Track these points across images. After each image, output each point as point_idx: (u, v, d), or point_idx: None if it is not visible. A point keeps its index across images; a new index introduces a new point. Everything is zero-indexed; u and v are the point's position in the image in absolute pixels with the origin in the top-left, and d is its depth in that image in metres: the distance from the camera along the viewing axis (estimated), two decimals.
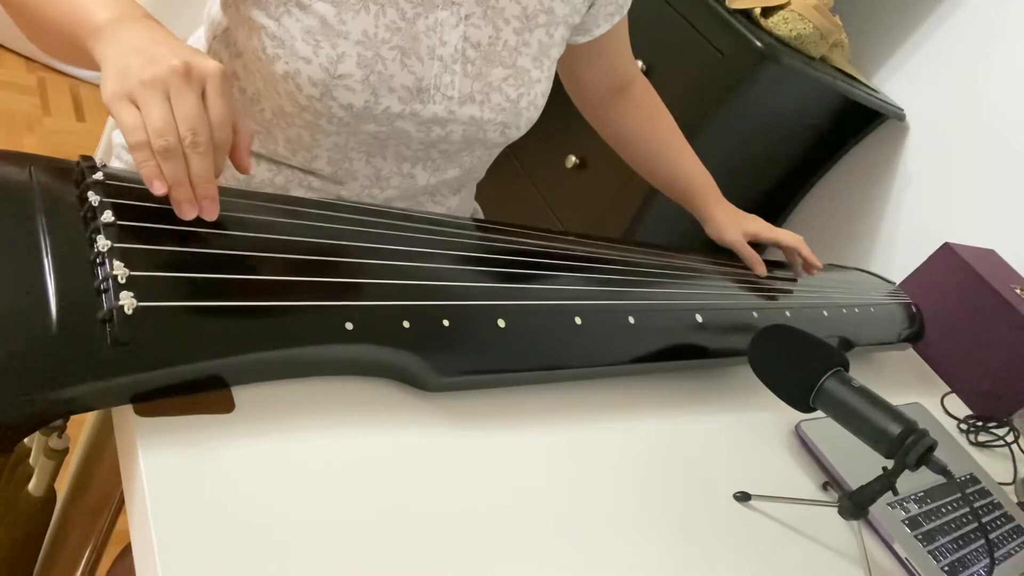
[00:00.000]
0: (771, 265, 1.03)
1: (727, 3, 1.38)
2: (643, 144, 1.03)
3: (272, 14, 0.69)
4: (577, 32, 0.88)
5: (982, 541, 0.83)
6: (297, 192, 0.81)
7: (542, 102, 0.82)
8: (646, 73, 1.44)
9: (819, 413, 0.68)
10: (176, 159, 0.50)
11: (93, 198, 0.50)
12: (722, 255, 1.00)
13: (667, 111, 1.04)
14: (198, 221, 0.52)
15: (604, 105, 1.02)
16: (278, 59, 0.69)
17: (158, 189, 0.50)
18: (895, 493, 0.64)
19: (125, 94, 0.50)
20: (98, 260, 0.47)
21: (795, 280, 1.02)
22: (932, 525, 0.80)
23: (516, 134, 0.82)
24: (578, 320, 0.67)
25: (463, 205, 0.95)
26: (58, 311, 0.44)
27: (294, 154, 0.78)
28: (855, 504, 0.65)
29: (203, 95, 0.51)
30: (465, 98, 0.75)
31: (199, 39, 0.85)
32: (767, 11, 1.37)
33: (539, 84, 0.80)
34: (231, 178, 0.81)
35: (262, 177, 0.80)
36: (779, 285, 0.98)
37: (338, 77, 0.69)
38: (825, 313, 0.96)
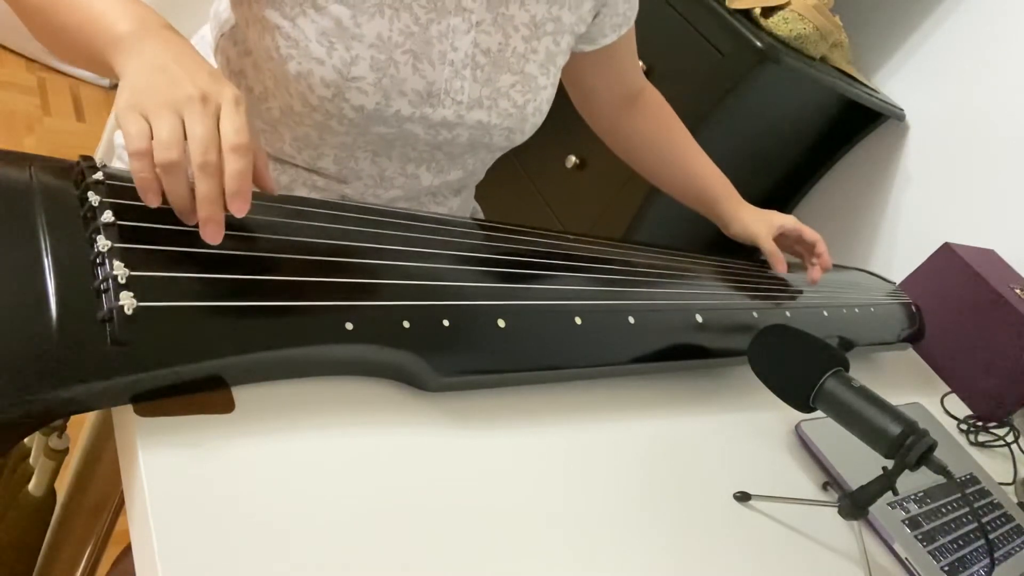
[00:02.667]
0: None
1: (727, 3, 1.38)
2: (657, 153, 1.03)
3: (287, 14, 0.69)
4: (583, 41, 0.88)
5: (982, 541, 0.83)
6: (301, 191, 0.81)
7: (547, 108, 0.83)
8: (646, 73, 1.44)
9: (819, 413, 0.68)
10: (178, 175, 0.49)
11: (93, 198, 0.50)
12: (722, 255, 1.00)
13: (677, 118, 1.04)
14: None
15: (615, 117, 1.02)
16: (291, 59, 0.69)
17: (152, 202, 0.49)
18: (895, 493, 0.64)
19: (138, 109, 0.50)
20: (98, 260, 0.47)
21: (794, 281, 1.02)
22: (932, 525, 0.80)
23: (520, 139, 0.83)
24: (578, 320, 0.67)
25: (463, 205, 0.96)
26: (58, 311, 0.44)
27: (299, 152, 0.78)
28: (855, 504, 0.65)
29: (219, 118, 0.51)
30: (473, 103, 0.76)
31: (204, 37, 0.86)
32: (767, 11, 1.37)
33: (545, 91, 0.81)
34: None
35: None
36: (779, 285, 0.98)
37: (351, 79, 0.69)
38: (825, 313, 0.96)
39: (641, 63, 1.43)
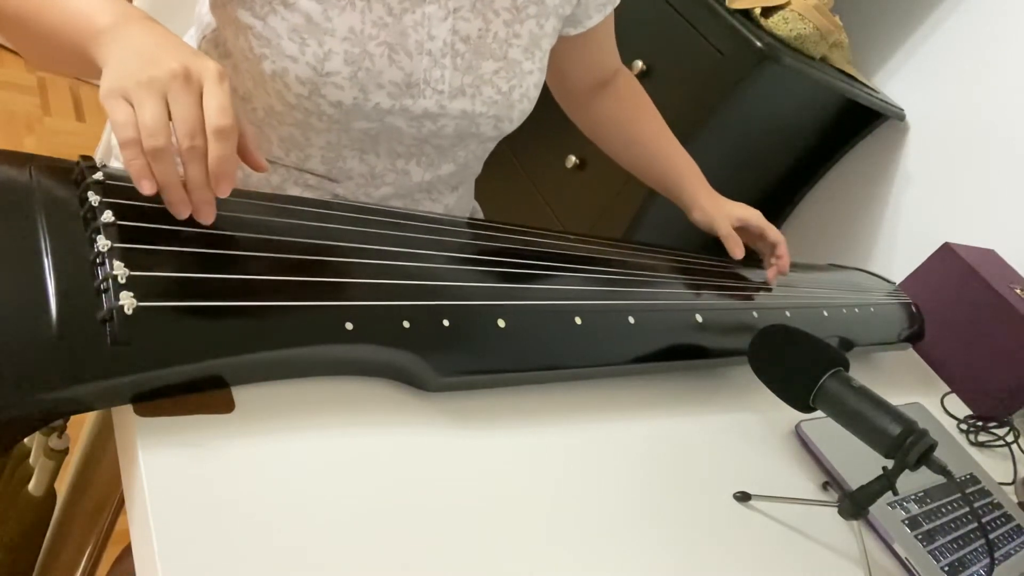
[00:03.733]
0: None
1: (727, 3, 1.38)
2: (625, 134, 1.01)
3: (258, 13, 0.68)
4: (569, 24, 0.87)
5: (982, 541, 0.83)
6: (293, 191, 0.81)
7: (535, 94, 0.82)
8: (646, 73, 1.44)
9: (819, 413, 0.68)
10: (167, 161, 0.49)
11: (93, 198, 0.50)
12: (722, 255, 1.00)
13: (649, 100, 1.02)
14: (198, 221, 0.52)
15: (587, 98, 1.01)
16: (265, 58, 0.69)
17: (146, 189, 0.49)
18: (895, 493, 0.64)
19: (120, 92, 0.50)
20: (98, 260, 0.47)
21: (794, 281, 1.02)
22: (932, 525, 0.80)
23: (510, 127, 0.82)
24: (578, 320, 0.67)
25: (461, 203, 0.95)
26: (58, 311, 0.44)
27: (287, 153, 0.78)
28: (855, 504, 0.65)
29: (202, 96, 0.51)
30: (456, 92, 0.75)
31: (189, 40, 0.85)
32: (767, 11, 1.37)
33: (531, 76, 0.80)
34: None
35: (258, 176, 0.80)
36: (779, 285, 0.98)
37: (325, 75, 0.69)
38: (825, 313, 0.96)
39: (641, 63, 1.43)
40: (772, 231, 0.98)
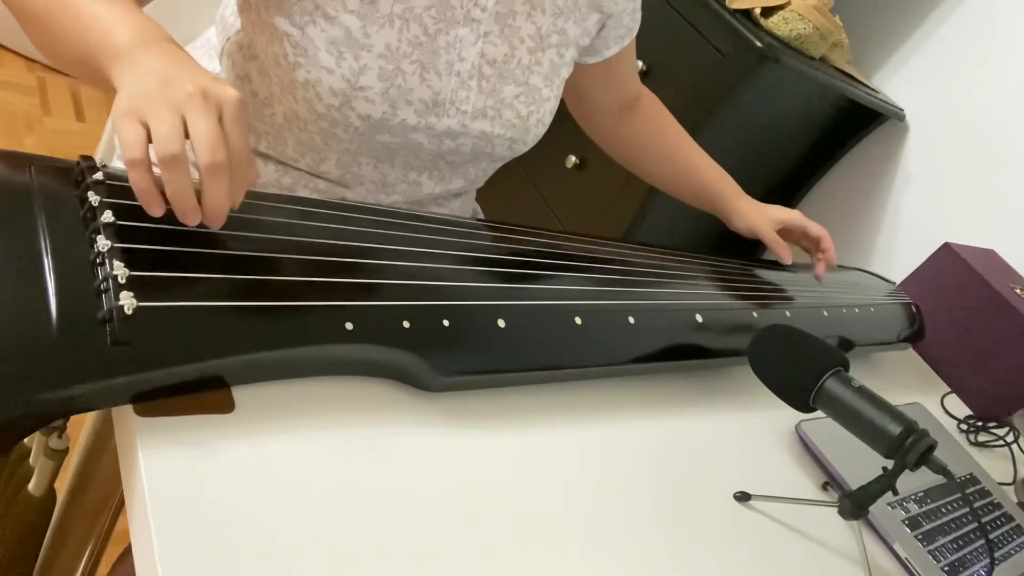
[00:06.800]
0: (772, 265, 1.03)
1: (727, 3, 1.38)
2: (655, 154, 1.03)
3: (296, 22, 0.68)
4: (587, 53, 0.89)
5: (982, 541, 0.83)
6: (302, 194, 0.81)
7: (549, 119, 0.84)
8: (646, 73, 1.44)
9: (819, 413, 0.68)
10: (181, 170, 0.47)
11: (93, 198, 0.50)
12: (722, 255, 1.00)
13: (673, 118, 1.04)
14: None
15: (613, 125, 1.02)
16: (299, 67, 0.69)
17: (156, 212, 0.48)
18: (895, 493, 0.64)
19: (135, 112, 0.48)
20: (98, 260, 0.47)
21: (793, 280, 1.02)
22: (932, 525, 0.80)
23: (523, 149, 0.84)
24: (578, 320, 0.67)
25: (463, 207, 0.96)
26: (58, 311, 0.44)
27: (303, 155, 0.78)
28: (855, 504, 0.65)
29: (220, 121, 0.50)
30: (478, 113, 0.76)
31: (210, 40, 0.85)
32: (767, 11, 1.37)
33: (548, 102, 0.82)
34: None
35: (268, 177, 0.80)
36: (779, 285, 0.98)
37: (359, 88, 0.69)
38: (825, 313, 0.96)
39: (641, 63, 1.43)
40: (814, 227, 1.01)
